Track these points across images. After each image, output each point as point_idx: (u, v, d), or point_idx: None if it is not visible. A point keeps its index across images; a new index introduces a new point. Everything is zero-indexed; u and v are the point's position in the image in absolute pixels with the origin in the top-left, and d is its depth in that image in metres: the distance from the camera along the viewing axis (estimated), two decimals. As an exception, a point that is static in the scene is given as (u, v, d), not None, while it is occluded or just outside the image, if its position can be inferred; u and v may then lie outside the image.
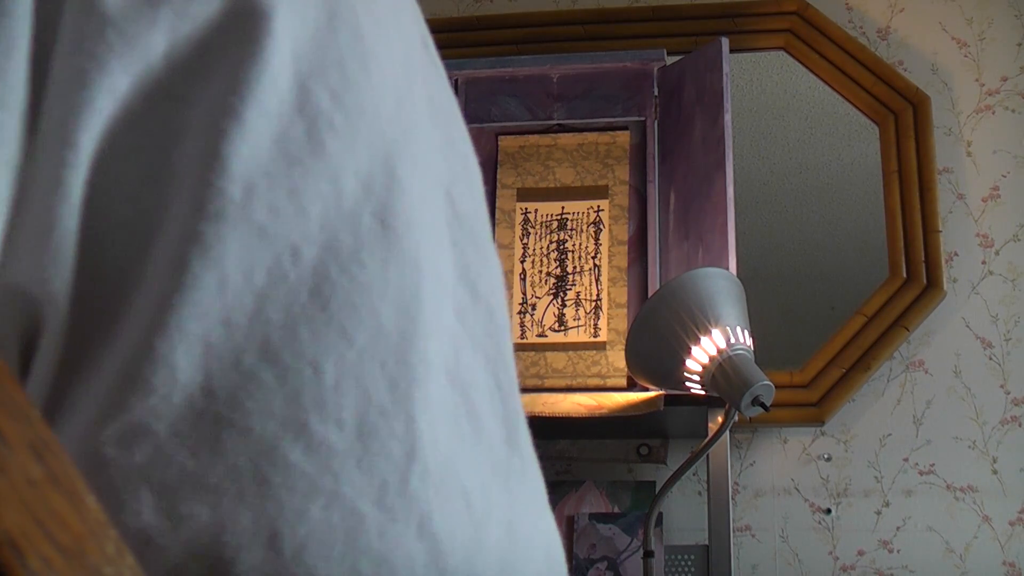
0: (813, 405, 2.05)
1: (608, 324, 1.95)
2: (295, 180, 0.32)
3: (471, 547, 0.33)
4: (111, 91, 0.30)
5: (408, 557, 0.31)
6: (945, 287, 2.08)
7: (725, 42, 1.99)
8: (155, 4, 0.31)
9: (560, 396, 1.84)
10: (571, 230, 2.03)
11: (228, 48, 0.32)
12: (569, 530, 1.98)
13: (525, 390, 1.84)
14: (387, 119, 0.34)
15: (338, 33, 0.34)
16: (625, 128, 2.09)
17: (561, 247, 2.03)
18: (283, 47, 0.32)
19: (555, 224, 2.04)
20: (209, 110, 0.31)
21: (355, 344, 0.32)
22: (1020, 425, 2.03)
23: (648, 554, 1.64)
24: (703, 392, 1.60)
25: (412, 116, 0.36)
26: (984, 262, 2.12)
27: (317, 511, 0.30)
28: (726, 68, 1.95)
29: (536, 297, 2.00)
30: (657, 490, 1.94)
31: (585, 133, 2.09)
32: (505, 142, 2.09)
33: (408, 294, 0.33)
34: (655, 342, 1.58)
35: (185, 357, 0.30)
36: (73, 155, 0.30)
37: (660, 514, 1.92)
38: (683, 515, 2.04)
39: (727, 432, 1.60)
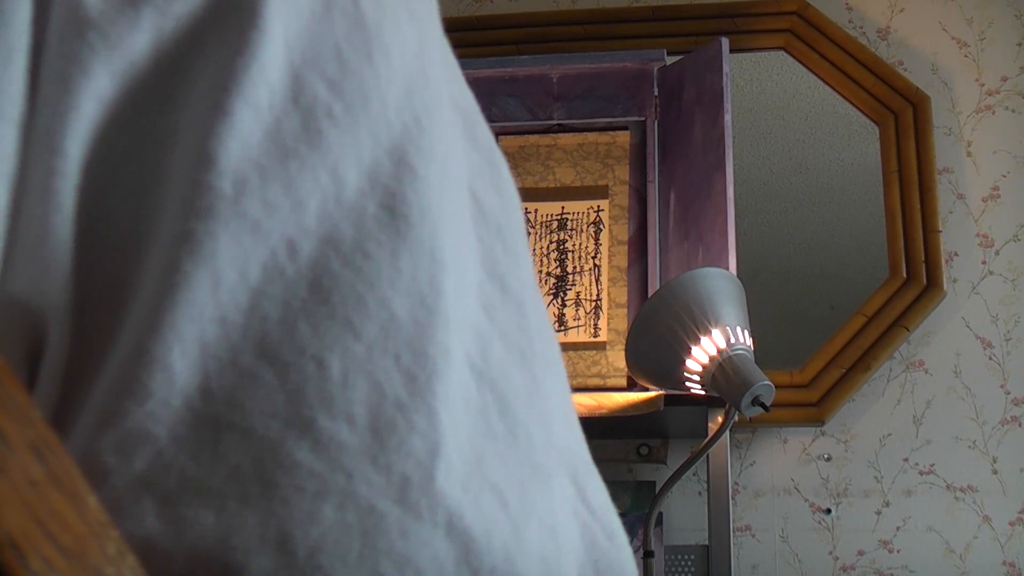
0: (813, 405, 2.04)
1: (608, 324, 1.95)
2: (290, 173, 0.31)
3: (511, 547, 0.32)
4: (95, 95, 0.30)
5: (435, 558, 0.30)
6: (945, 287, 2.08)
7: (725, 42, 1.99)
8: (137, 4, 0.30)
9: (560, 396, 1.83)
10: (571, 230, 2.03)
11: (215, 44, 0.31)
12: (569, 530, 1.98)
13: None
14: (396, 107, 0.33)
15: (335, 21, 0.33)
16: (625, 128, 2.09)
17: (561, 247, 2.03)
18: (274, 38, 0.31)
19: (555, 224, 2.04)
20: (198, 109, 0.30)
21: (363, 337, 0.30)
22: (1020, 425, 2.03)
23: (648, 554, 1.64)
24: (703, 392, 1.59)
25: (427, 106, 0.34)
26: (984, 262, 2.12)
27: (330, 511, 0.29)
28: (726, 68, 1.95)
29: (536, 297, 2.00)
30: (657, 490, 1.94)
31: (585, 133, 2.09)
32: (505, 142, 2.09)
33: (424, 284, 0.32)
34: (655, 342, 1.58)
35: (181, 359, 0.29)
36: (62, 163, 0.29)
37: (660, 514, 1.92)
38: (683, 515, 2.03)
39: (727, 432, 1.60)
